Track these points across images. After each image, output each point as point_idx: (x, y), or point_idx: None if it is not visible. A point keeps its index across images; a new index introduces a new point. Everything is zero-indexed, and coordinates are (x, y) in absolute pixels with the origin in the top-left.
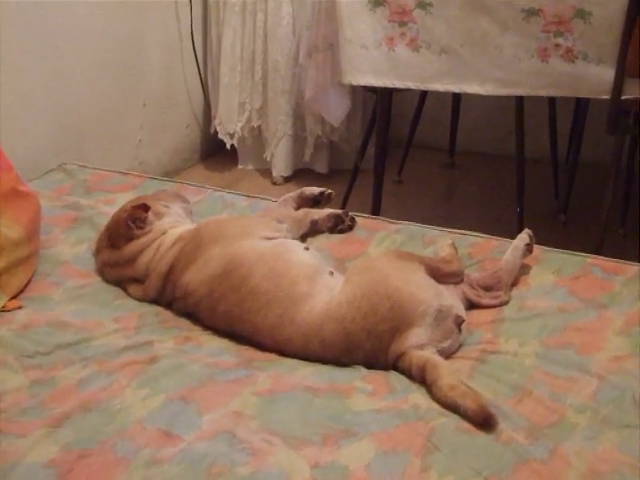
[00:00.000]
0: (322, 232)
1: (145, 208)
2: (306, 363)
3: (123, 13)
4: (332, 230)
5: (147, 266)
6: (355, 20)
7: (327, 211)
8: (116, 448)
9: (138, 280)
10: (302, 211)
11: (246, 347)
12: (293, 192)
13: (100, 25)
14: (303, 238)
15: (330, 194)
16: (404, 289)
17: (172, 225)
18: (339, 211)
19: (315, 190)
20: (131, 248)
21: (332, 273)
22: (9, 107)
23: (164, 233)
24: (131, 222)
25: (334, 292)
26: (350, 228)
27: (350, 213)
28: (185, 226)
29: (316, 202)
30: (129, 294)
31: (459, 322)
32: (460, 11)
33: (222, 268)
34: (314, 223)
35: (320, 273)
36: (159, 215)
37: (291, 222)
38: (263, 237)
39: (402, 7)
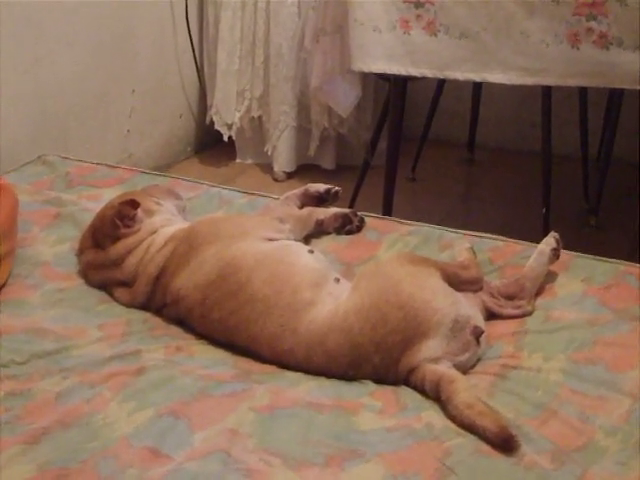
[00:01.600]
0: (328, 233)
1: (134, 205)
2: (309, 377)
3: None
4: (339, 231)
5: (135, 268)
6: (367, 0)
7: (334, 210)
8: (99, 468)
9: (125, 284)
10: (306, 210)
11: (243, 358)
12: (297, 189)
13: (84, 3)
14: (307, 239)
15: (337, 192)
16: (417, 296)
17: (163, 224)
18: (347, 210)
19: (321, 187)
20: (118, 248)
21: (338, 280)
22: None
23: (154, 232)
24: (118, 220)
25: (340, 300)
26: (359, 229)
27: (359, 213)
28: (178, 225)
29: (322, 200)
30: (115, 299)
31: (478, 334)
32: None
33: (218, 272)
34: (319, 223)
35: (325, 279)
36: (149, 213)
37: (294, 222)
38: (263, 238)
39: None
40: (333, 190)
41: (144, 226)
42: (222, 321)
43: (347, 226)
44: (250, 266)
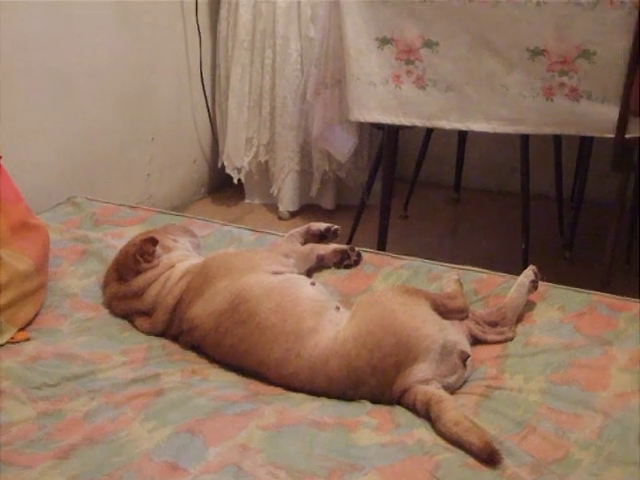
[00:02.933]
0: (328, 267)
1: (154, 242)
2: (312, 397)
3: (134, 49)
4: (338, 265)
5: (155, 299)
6: (363, 57)
7: (333, 246)
8: None
9: (145, 313)
10: (309, 246)
11: (252, 381)
12: (300, 227)
13: (111, 61)
14: (309, 273)
15: (336, 230)
16: (409, 324)
17: (180, 259)
18: (345, 246)
19: (322, 226)
20: (139, 281)
21: (338, 308)
22: (21, 139)
23: (172, 267)
24: (139, 256)
25: (340, 327)
26: (356, 263)
27: (356, 248)
28: (193, 260)
29: (322, 237)
30: (136, 327)
31: (464, 358)
32: (466, 50)
33: (229, 302)
34: (320, 258)
35: (326, 308)
36: (167, 249)
37: (298, 257)
38: (270, 271)
39: (409, 46)
40: (333, 228)
41: (162, 261)
42: (233, 347)
43: (345, 261)
44: (258, 297)
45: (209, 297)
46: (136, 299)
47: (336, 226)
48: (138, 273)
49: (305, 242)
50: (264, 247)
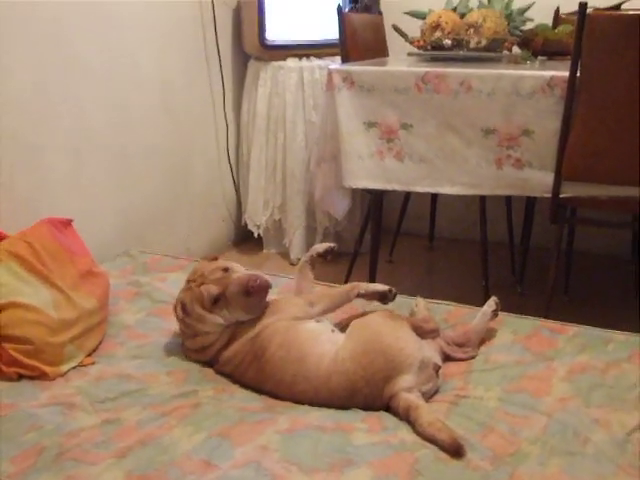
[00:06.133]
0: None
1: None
2: (316, 408)
3: (175, 133)
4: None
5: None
6: (353, 138)
7: (374, 287)
8: (168, 475)
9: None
10: (349, 285)
11: (269, 397)
12: (305, 255)
13: (158, 142)
14: None
15: (333, 248)
16: (395, 345)
17: None
18: (386, 288)
19: (323, 247)
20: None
21: (333, 331)
22: (88, 205)
23: None
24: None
25: (337, 346)
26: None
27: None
28: None
29: (325, 257)
30: (186, 357)
31: (437, 369)
32: (434, 131)
33: (250, 343)
34: (361, 297)
35: (322, 332)
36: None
37: (334, 296)
38: (289, 318)
39: (390, 127)
40: (330, 247)
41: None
42: (252, 379)
43: (384, 300)
44: (269, 335)
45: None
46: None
47: (333, 244)
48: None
49: (312, 266)
50: (279, 288)
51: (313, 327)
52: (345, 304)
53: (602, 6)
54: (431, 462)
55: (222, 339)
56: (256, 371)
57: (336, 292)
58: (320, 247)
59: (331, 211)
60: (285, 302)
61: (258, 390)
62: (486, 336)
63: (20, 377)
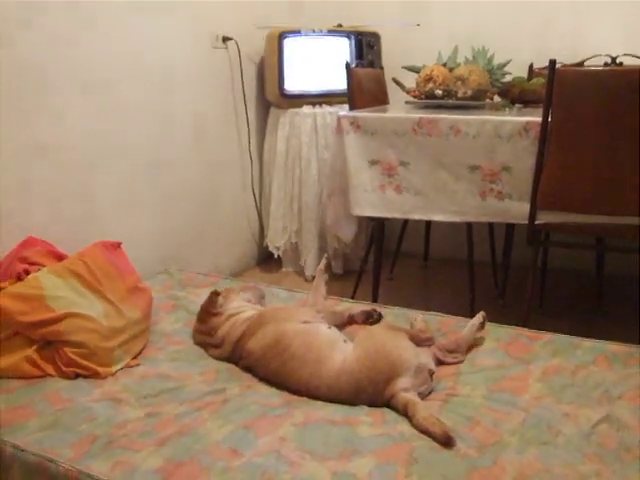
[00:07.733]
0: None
1: (216, 294)
2: (328, 404)
3: (206, 168)
4: (365, 323)
5: (223, 336)
6: (359, 173)
7: (361, 308)
8: (201, 461)
9: (216, 345)
10: (341, 308)
11: (286, 393)
12: (314, 281)
13: (193, 178)
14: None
15: (328, 258)
16: (394, 352)
17: (238, 308)
18: (369, 308)
19: (322, 265)
20: (212, 323)
21: (345, 341)
22: (131, 230)
23: (235, 314)
24: (208, 303)
25: (347, 354)
26: (378, 320)
27: (377, 309)
28: (251, 311)
29: (329, 269)
30: (209, 355)
31: (431, 373)
32: (428, 168)
33: (273, 339)
34: (351, 317)
35: (337, 341)
36: (230, 299)
37: (331, 315)
38: (302, 321)
39: (390, 164)
40: (326, 261)
41: (226, 308)
42: (274, 371)
43: (370, 319)
44: (291, 336)
45: (260, 336)
46: (210, 335)
47: (325, 256)
48: (211, 316)
49: (325, 282)
50: (295, 301)
51: (329, 333)
52: (338, 323)
53: (568, 62)
54: (426, 451)
55: (237, 331)
56: (278, 365)
57: (333, 312)
58: (321, 265)
59: (340, 235)
60: (295, 309)
61: (277, 383)
62: (472, 343)
63: (77, 376)
